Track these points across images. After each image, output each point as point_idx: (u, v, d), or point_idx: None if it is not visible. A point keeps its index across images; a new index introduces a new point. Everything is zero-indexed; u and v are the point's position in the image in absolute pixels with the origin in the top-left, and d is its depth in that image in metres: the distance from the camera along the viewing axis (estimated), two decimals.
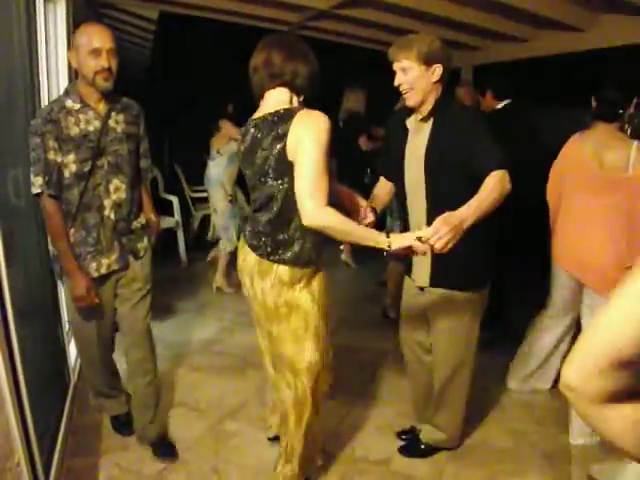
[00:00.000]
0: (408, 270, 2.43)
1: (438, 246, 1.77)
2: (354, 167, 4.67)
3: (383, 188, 2.49)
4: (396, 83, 2.16)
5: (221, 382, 3.16)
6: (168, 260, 5.37)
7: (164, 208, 5.42)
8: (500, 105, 3.77)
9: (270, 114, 1.91)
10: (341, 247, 3.05)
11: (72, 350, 3.13)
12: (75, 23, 3.82)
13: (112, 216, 2.29)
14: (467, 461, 2.55)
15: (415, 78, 2.10)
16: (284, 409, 2.19)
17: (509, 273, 3.63)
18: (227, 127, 4.36)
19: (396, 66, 2.14)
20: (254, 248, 2.04)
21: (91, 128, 2.19)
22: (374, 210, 2.27)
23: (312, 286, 2.06)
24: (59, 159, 2.14)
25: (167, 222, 5.25)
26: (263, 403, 2.90)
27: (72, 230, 2.25)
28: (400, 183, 2.32)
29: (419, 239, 1.80)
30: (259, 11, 4.72)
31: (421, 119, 2.21)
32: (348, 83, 4.92)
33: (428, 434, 2.61)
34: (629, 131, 2.38)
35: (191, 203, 5.75)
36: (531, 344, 3.08)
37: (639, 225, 2.36)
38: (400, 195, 2.35)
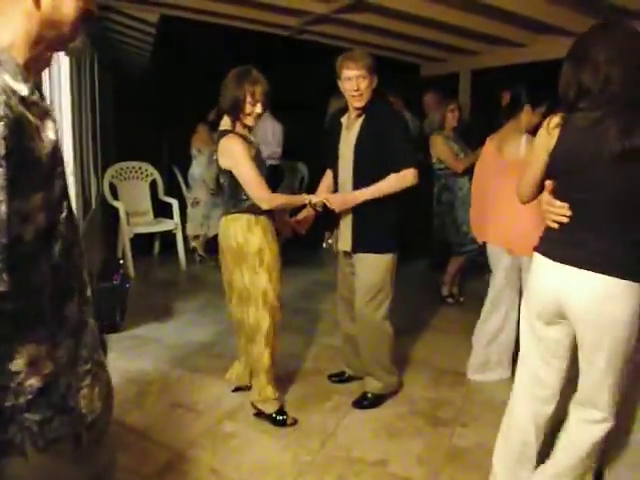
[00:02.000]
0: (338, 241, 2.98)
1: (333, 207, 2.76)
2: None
3: (324, 182, 3.09)
4: (354, 88, 2.69)
5: (219, 383, 3.17)
6: (167, 262, 5.41)
7: (164, 210, 5.46)
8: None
9: None
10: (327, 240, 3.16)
11: None
12: (84, 29, 3.86)
13: None
14: (464, 463, 2.56)
15: (366, 85, 2.69)
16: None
17: None
18: (202, 132, 4.71)
19: (351, 74, 2.68)
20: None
21: None
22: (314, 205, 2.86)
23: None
24: None
25: (167, 225, 5.29)
26: None
27: None
28: (335, 170, 2.93)
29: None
30: (259, 15, 4.74)
31: (355, 115, 2.80)
32: (333, 91, 4.95)
33: (368, 385, 3.01)
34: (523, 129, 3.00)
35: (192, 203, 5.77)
36: (476, 334, 3.36)
37: None
38: (335, 180, 2.96)
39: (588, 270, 1.74)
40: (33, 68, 1.08)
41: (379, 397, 3.02)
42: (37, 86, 1.07)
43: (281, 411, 2.82)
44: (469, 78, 5.38)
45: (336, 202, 2.78)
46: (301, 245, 5.77)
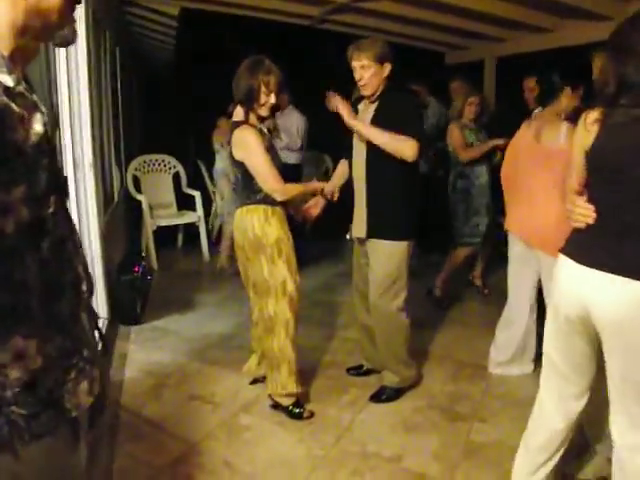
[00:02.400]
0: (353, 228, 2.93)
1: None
2: None
3: (339, 171, 3.06)
4: (357, 78, 2.69)
5: (237, 376, 3.17)
6: (190, 254, 5.45)
7: (187, 203, 5.49)
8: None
9: None
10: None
11: None
12: (95, 20, 3.89)
13: None
14: (481, 460, 2.49)
15: (371, 74, 2.65)
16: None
17: None
18: (224, 126, 4.64)
19: (356, 64, 2.67)
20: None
21: None
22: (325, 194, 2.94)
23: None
24: None
25: (190, 217, 5.32)
26: None
27: None
28: (350, 158, 2.87)
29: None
30: (280, 5, 4.72)
31: (369, 102, 2.80)
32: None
33: (386, 379, 2.99)
34: (562, 115, 2.81)
35: (213, 198, 5.80)
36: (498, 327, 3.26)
37: None
38: (350, 168, 2.89)
39: (619, 275, 1.60)
40: (20, 59, 1.06)
41: (397, 391, 2.98)
42: (25, 78, 1.07)
43: (298, 403, 2.80)
44: (494, 65, 5.25)
45: (345, 112, 2.70)
46: (324, 237, 5.81)
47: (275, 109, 2.65)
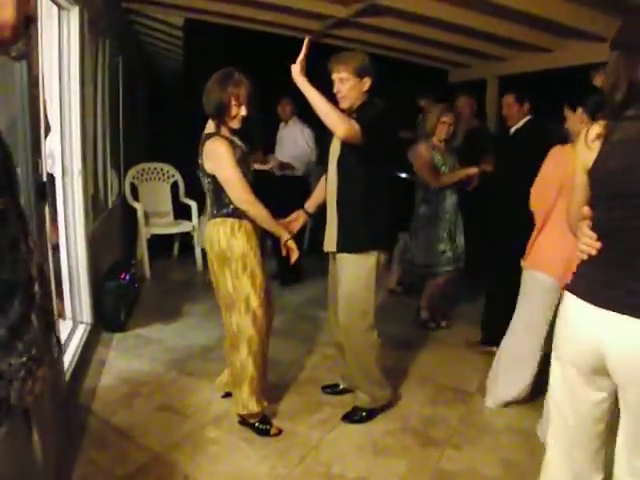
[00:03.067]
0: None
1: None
2: None
3: (317, 191, 3.04)
4: (335, 90, 2.68)
5: (212, 388, 3.14)
6: (184, 264, 5.45)
7: (185, 212, 5.50)
8: (523, 120, 3.66)
9: None
10: None
11: (68, 352, 3.19)
12: (100, 31, 3.94)
13: None
14: None
15: (350, 88, 2.65)
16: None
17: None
18: None
19: (335, 76, 2.66)
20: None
21: None
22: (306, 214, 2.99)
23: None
24: None
25: (185, 226, 5.33)
26: None
27: None
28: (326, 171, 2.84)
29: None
30: (282, 19, 4.76)
31: (347, 115, 2.67)
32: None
33: (358, 399, 2.94)
34: None
35: None
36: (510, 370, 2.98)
37: None
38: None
39: (633, 316, 1.37)
40: None
41: (370, 412, 2.92)
42: None
43: (264, 420, 2.77)
44: (496, 84, 5.22)
45: (296, 67, 2.49)
46: (315, 251, 5.77)
47: (246, 120, 2.62)
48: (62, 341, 3.14)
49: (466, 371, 3.48)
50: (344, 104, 2.68)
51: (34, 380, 1.13)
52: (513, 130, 3.76)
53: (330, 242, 2.80)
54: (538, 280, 2.76)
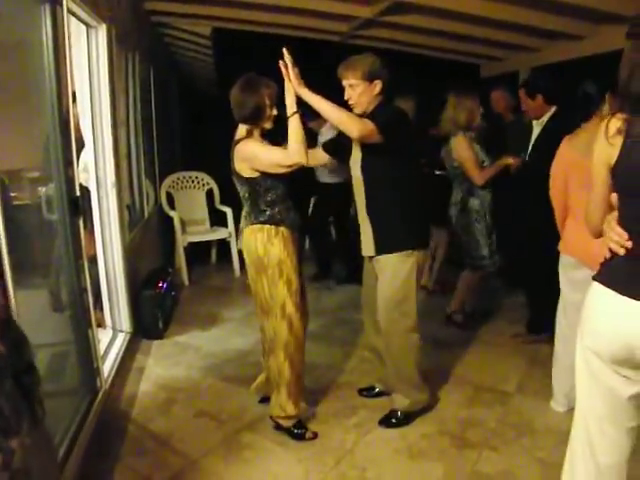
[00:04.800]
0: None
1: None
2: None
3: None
4: (345, 97, 2.63)
5: (247, 393, 3.16)
6: (222, 270, 5.51)
7: (221, 219, 5.57)
8: (548, 114, 3.56)
9: None
10: None
11: (108, 360, 3.27)
12: (129, 45, 4.03)
13: None
14: None
15: (360, 93, 2.60)
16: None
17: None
18: None
19: (344, 83, 2.62)
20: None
21: None
22: None
23: None
24: None
25: (221, 233, 5.39)
26: None
27: None
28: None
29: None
30: (308, 22, 4.76)
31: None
32: (399, 91, 4.82)
33: (395, 402, 2.88)
34: None
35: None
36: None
37: None
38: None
39: None
40: None
41: (407, 415, 2.87)
42: None
43: (299, 424, 2.77)
44: (529, 75, 5.08)
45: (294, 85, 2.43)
46: (352, 256, 5.76)
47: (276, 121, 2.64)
48: (102, 350, 3.22)
49: (504, 371, 3.41)
50: (357, 110, 2.65)
51: (6, 453, 1.10)
52: (537, 125, 3.69)
53: (367, 246, 2.78)
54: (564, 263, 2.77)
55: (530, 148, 3.70)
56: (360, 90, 2.60)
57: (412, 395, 2.86)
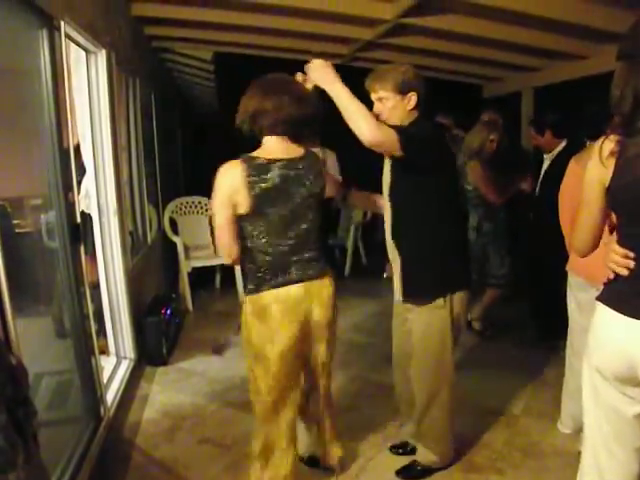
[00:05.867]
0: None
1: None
2: None
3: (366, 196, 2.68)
4: (375, 112, 2.26)
5: (251, 419, 3.09)
6: (227, 295, 5.48)
7: None
8: (559, 148, 3.66)
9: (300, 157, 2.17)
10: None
11: (112, 387, 3.23)
12: (130, 70, 4.06)
13: None
14: None
15: (391, 108, 2.27)
16: None
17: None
18: None
19: (373, 96, 2.30)
20: (324, 274, 2.23)
21: None
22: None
23: None
24: None
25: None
26: None
27: None
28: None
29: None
30: (309, 46, 4.80)
31: None
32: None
33: (421, 456, 2.60)
34: None
35: None
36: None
37: None
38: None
39: None
40: None
41: (430, 470, 2.60)
42: None
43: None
44: (532, 96, 5.10)
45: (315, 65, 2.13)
46: (361, 275, 5.72)
47: None
48: (105, 378, 3.19)
49: (509, 392, 3.35)
50: None
51: None
52: (547, 159, 3.80)
53: (397, 290, 2.45)
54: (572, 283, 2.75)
55: (540, 180, 3.82)
56: (391, 104, 2.26)
57: (440, 451, 2.59)
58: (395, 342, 2.64)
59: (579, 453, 2.59)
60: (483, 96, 5.86)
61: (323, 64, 2.12)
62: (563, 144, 3.70)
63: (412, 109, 2.28)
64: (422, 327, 2.42)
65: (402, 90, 2.25)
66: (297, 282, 2.14)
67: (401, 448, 2.80)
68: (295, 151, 2.14)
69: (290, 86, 2.12)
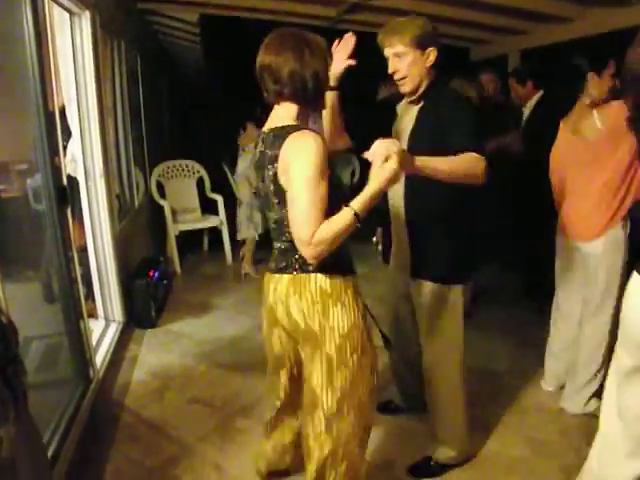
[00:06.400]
0: (387, 259, 2.46)
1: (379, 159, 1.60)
2: None
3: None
4: (390, 70, 2.07)
5: (240, 379, 3.20)
6: (215, 258, 5.52)
7: (212, 207, 5.57)
8: (535, 97, 3.66)
9: (271, 130, 1.71)
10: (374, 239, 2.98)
11: (100, 350, 3.29)
12: (115, 32, 4.00)
13: None
14: (475, 470, 2.43)
15: (410, 64, 2.03)
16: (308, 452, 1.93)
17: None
18: (250, 129, 4.64)
19: (389, 52, 2.06)
20: (285, 269, 1.78)
21: None
22: None
23: (354, 301, 1.79)
24: None
25: (212, 221, 5.40)
26: None
27: None
28: None
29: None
30: (296, 7, 4.73)
31: (410, 102, 2.17)
32: (383, 76, 4.81)
33: (438, 453, 2.44)
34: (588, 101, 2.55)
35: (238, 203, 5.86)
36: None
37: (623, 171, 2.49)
38: None
39: None
40: None
41: (447, 466, 2.46)
42: None
43: None
44: (518, 59, 5.10)
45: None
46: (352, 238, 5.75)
47: None
48: (94, 340, 3.24)
49: (495, 352, 3.45)
50: (406, 87, 2.09)
51: None
52: (527, 110, 3.84)
53: (403, 265, 2.33)
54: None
55: (521, 131, 3.81)
56: (410, 60, 2.03)
57: (458, 446, 2.43)
58: (399, 320, 2.55)
59: (561, 409, 2.78)
60: (471, 59, 5.84)
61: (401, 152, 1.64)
62: (540, 94, 3.77)
63: (430, 67, 2.07)
64: (437, 306, 2.29)
65: (421, 44, 2.02)
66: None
67: (385, 405, 2.82)
68: None
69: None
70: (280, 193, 1.65)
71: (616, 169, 2.48)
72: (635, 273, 1.43)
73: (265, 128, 1.76)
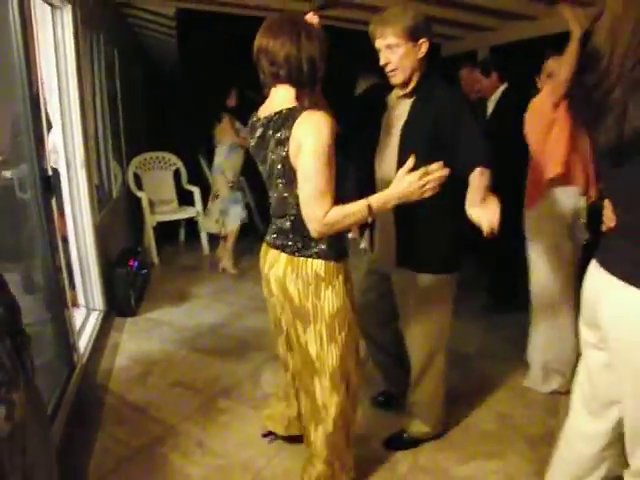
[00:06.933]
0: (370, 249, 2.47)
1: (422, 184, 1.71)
2: None
3: None
4: (382, 62, 2.07)
5: (221, 363, 3.30)
6: (191, 248, 5.60)
7: (189, 199, 5.64)
8: (499, 90, 3.79)
9: (276, 113, 1.76)
10: (350, 235, 3.05)
11: (83, 338, 3.35)
12: (94, 26, 4.04)
13: None
14: (445, 442, 2.58)
15: (402, 56, 2.02)
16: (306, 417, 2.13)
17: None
18: (226, 121, 4.67)
19: (380, 44, 2.05)
20: (283, 247, 1.90)
21: None
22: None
23: (344, 285, 1.92)
24: None
25: (188, 212, 5.47)
26: (257, 383, 3.09)
27: None
28: (373, 162, 2.26)
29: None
30: (270, 3, 4.81)
31: (402, 95, 2.16)
32: (361, 70, 4.94)
33: (412, 427, 2.54)
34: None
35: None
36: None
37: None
38: (372, 174, 2.28)
39: (618, 278, 1.36)
40: None
41: (419, 440, 2.56)
42: None
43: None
44: (487, 55, 5.27)
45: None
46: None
47: None
48: (76, 328, 3.30)
49: (465, 335, 3.61)
50: (397, 79, 2.08)
51: (9, 405, 1.19)
52: (492, 103, 3.89)
53: (387, 253, 2.32)
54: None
55: (485, 125, 3.89)
56: (402, 51, 2.01)
57: (433, 422, 2.54)
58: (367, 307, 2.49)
59: (527, 388, 2.93)
60: (441, 55, 6.00)
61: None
62: (503, 87, 3.82)
63: (422, 58, 2.06)
64: (423, 293, 2.29)
65: (414, 36, 2.00)
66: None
67: (381, 396, 2.86)
68: None
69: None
70: (290, 173, 1.74)
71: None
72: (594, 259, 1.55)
73: (264, 112, 1.83)
